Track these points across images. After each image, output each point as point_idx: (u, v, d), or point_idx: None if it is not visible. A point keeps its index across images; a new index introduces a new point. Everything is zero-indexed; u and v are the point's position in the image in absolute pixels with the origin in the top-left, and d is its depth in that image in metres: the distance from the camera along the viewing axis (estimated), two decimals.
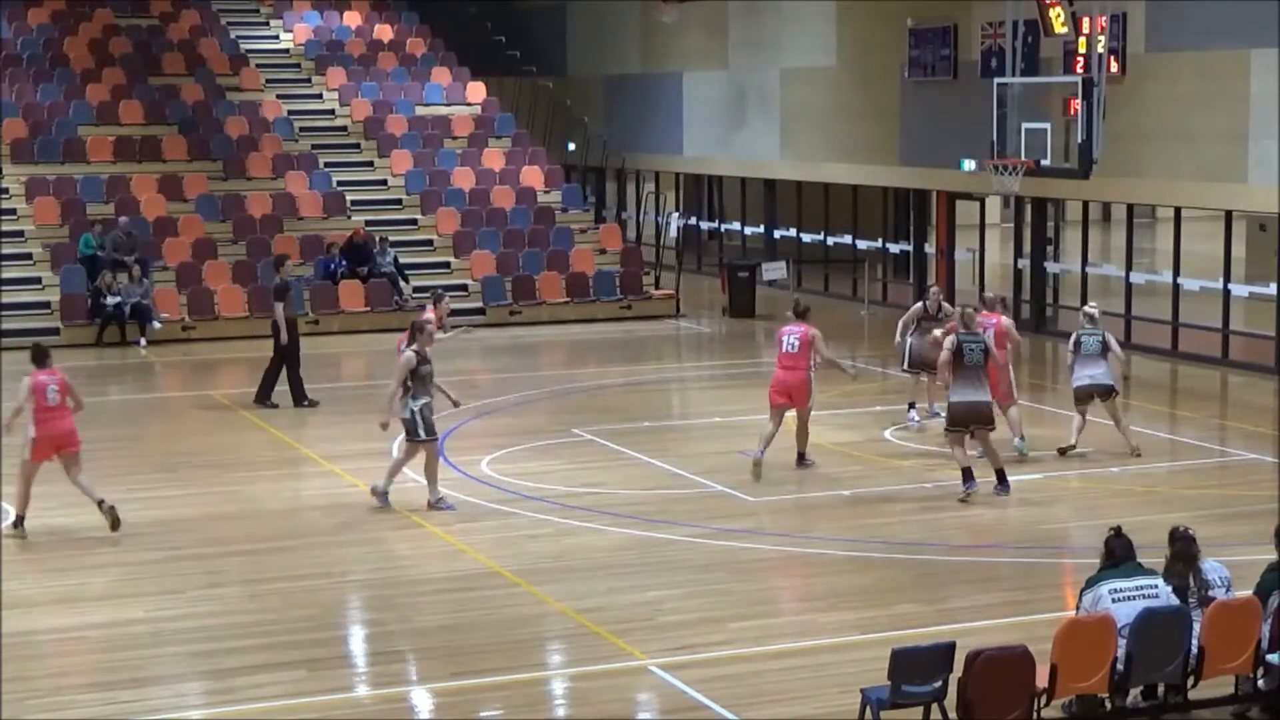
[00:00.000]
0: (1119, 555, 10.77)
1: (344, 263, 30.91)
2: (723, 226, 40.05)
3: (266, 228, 32.08)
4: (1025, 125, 24.31)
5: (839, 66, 34.00)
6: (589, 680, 12.01)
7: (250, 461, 19.38)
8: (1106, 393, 19.04)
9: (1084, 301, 28.29)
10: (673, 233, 34.99)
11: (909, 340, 20.81)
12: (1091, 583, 10.74)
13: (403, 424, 16.68)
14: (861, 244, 34.63)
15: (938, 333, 18.61)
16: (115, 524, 15.76)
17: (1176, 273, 26.80)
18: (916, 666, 10.19)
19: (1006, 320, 19.35)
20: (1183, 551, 10.94)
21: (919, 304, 21.41)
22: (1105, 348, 19.03)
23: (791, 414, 18.26)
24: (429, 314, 21.35)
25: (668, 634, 12.88)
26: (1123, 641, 10.39)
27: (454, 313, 30.70)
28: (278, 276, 23.02)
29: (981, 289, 28.24)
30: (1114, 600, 10.53)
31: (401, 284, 30.94)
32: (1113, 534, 10.90)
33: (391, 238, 31.92)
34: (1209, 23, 25.46)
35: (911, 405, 21.04)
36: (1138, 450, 18.96)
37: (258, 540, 15.82)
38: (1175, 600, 10.70)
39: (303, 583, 14.47)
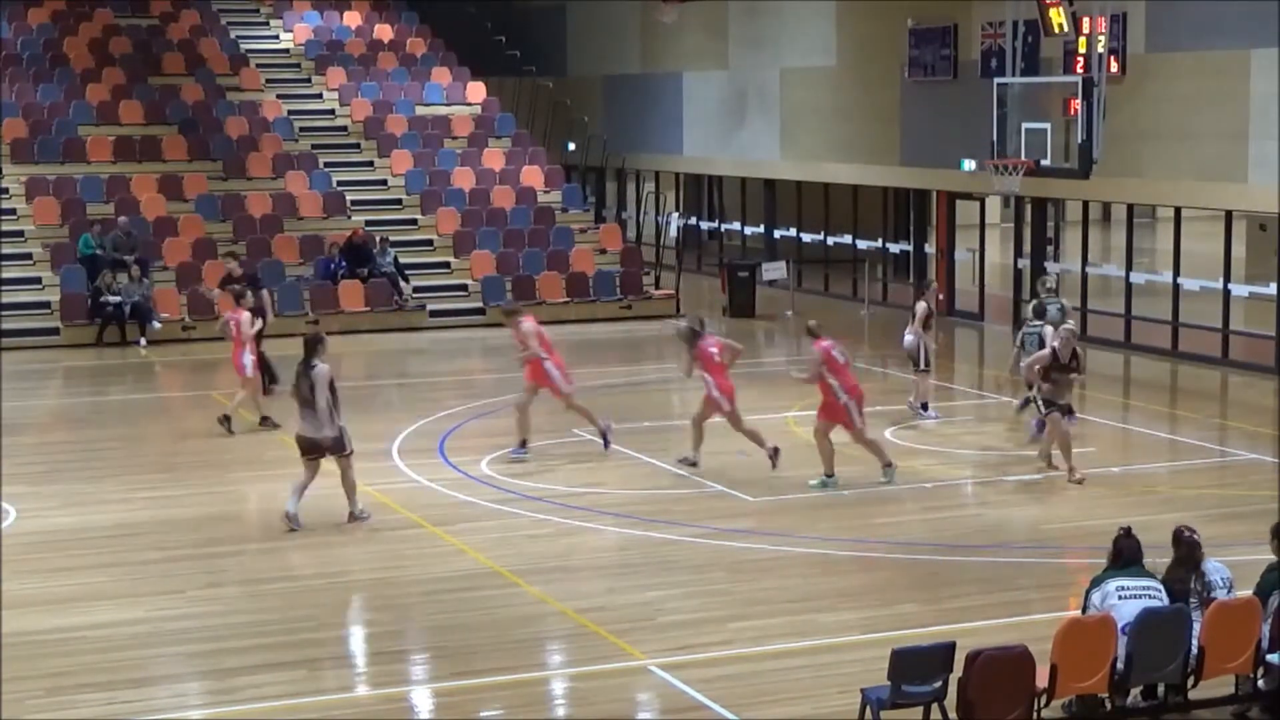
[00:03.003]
0: (1126, 557, 10.77)
1: (344, 263, 30.91)
2: (723, 226, 40.06)
3: (266, 228, 32.08)
4: (1025, 125, 24.33)
5: (839, 66, 33.99)
6: (589, 680, 12.01)
7: (250, 461, 19.37)
8: None
9: (1084, 302, 28.39)
10: (673, 233, 34.99)
11: (920, 340, 21.09)
12: (1097, 581, 10.75)
13: (329, 442, 16.05)
14: (861, 244, 34.64)
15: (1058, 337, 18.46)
16: None
17: (1176, 273, 26.80)
18: (916, 666, 10.20)
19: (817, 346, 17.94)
20: (1187, 556, 10.92)
21: (923, 303, 21.51)
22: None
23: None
24: (246, 314, 21.16)
25: (668, 634, 12.88)
26: (1124, 640, 10.40)
27: (449, 313, 30.89)
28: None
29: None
30: (1120, 597, 10.54)
31: (402, 284, 30.95)
32: (1123, 534, 10.90)
33: (391, 238, 31.92)
34: (1209, 23, 25.46)
35: (924, 405, 21.23)
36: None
37: (258, 540, 15.82)
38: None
39: (302, 583, 14.47)
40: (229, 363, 27.04)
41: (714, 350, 18.34)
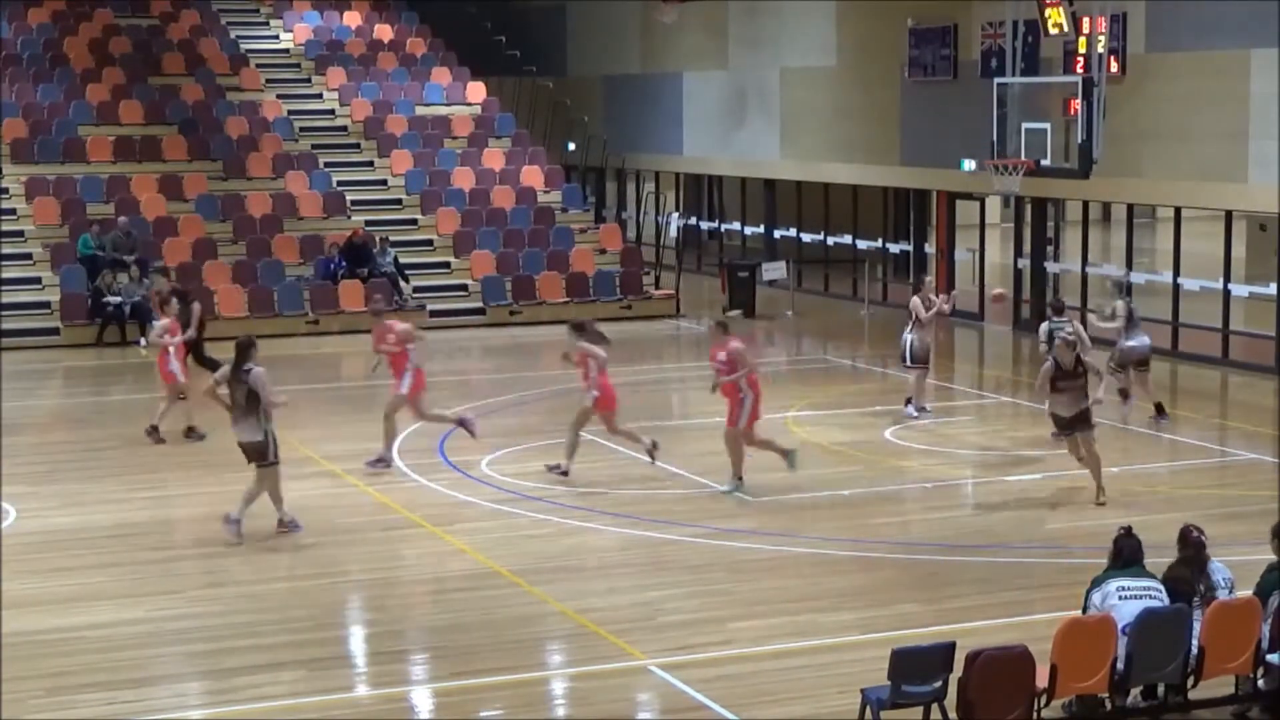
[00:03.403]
0: (1126, 556, 10.77)
1: (344, 263, 30.92)
2: (723, 226, 40.06)
3: (266, 228, 32.08)
4: (1025, 125, 24.33)
5: (839, 66, 34.00)
6: (589, 680, 12.01)
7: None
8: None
9: (1084, 302, 28.36)
10: (673, 233, 34.99)
11: (908, 337, 21.15)
12: (1098, 581, 10.75)
13: (253, 447, 15.82)
14: (861, 244, 34.64)
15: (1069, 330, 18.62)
16: None
17: (1176, 273, 26.81)
18: (916, 666, 10.19)
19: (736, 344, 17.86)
20: (1194, 557, 10.91)
21: (915, 299, 21.55)
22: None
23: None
24: (165, 320, 20.99)
25: (668, 634, 12.88)
26: (1124, 640, 10.39)
27: (449, 313, 30.88)
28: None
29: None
30: (1121, 598, 10.54)
31: (402, 284, 30.95)
32: (1123, 533, 10.90)
33: (391, 238, 31.92)
34: (1209, 23, 25.46)
35: (909, 400, 21.30)
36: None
37: (257, 540, 15.80)
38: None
39: (302, 583, 14.47)
40: (227, 363, 27.14)
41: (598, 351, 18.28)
